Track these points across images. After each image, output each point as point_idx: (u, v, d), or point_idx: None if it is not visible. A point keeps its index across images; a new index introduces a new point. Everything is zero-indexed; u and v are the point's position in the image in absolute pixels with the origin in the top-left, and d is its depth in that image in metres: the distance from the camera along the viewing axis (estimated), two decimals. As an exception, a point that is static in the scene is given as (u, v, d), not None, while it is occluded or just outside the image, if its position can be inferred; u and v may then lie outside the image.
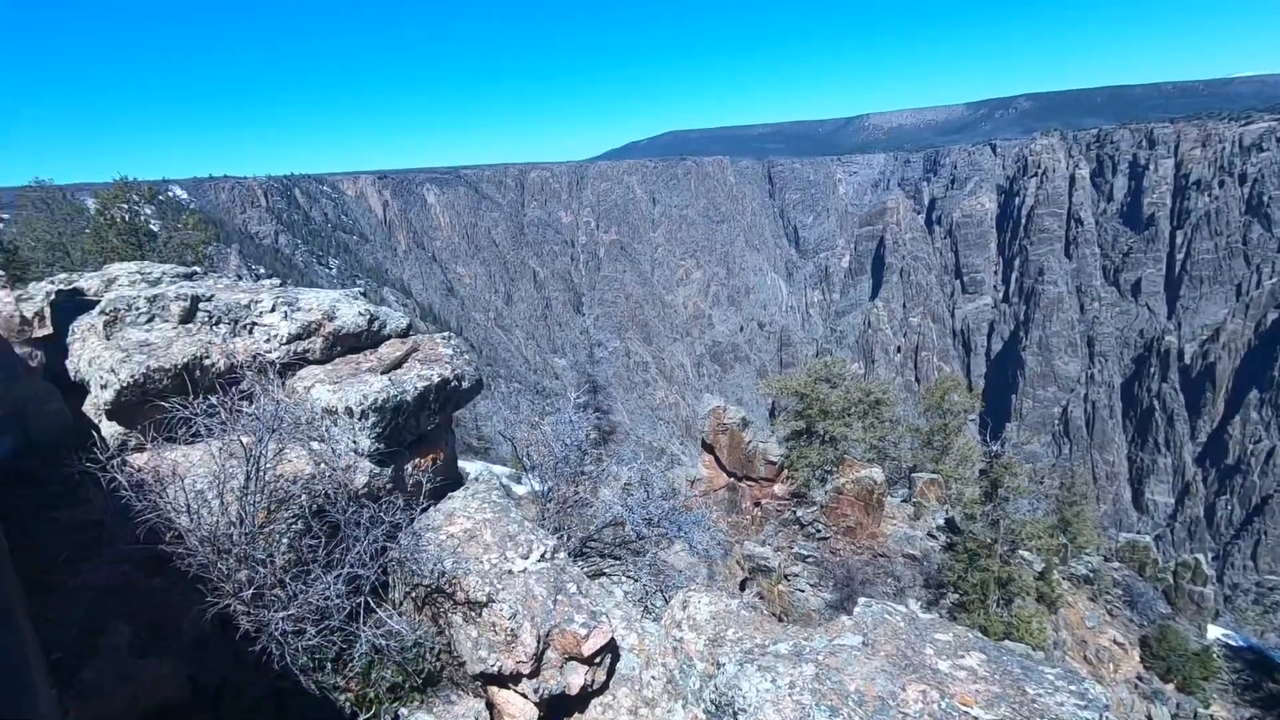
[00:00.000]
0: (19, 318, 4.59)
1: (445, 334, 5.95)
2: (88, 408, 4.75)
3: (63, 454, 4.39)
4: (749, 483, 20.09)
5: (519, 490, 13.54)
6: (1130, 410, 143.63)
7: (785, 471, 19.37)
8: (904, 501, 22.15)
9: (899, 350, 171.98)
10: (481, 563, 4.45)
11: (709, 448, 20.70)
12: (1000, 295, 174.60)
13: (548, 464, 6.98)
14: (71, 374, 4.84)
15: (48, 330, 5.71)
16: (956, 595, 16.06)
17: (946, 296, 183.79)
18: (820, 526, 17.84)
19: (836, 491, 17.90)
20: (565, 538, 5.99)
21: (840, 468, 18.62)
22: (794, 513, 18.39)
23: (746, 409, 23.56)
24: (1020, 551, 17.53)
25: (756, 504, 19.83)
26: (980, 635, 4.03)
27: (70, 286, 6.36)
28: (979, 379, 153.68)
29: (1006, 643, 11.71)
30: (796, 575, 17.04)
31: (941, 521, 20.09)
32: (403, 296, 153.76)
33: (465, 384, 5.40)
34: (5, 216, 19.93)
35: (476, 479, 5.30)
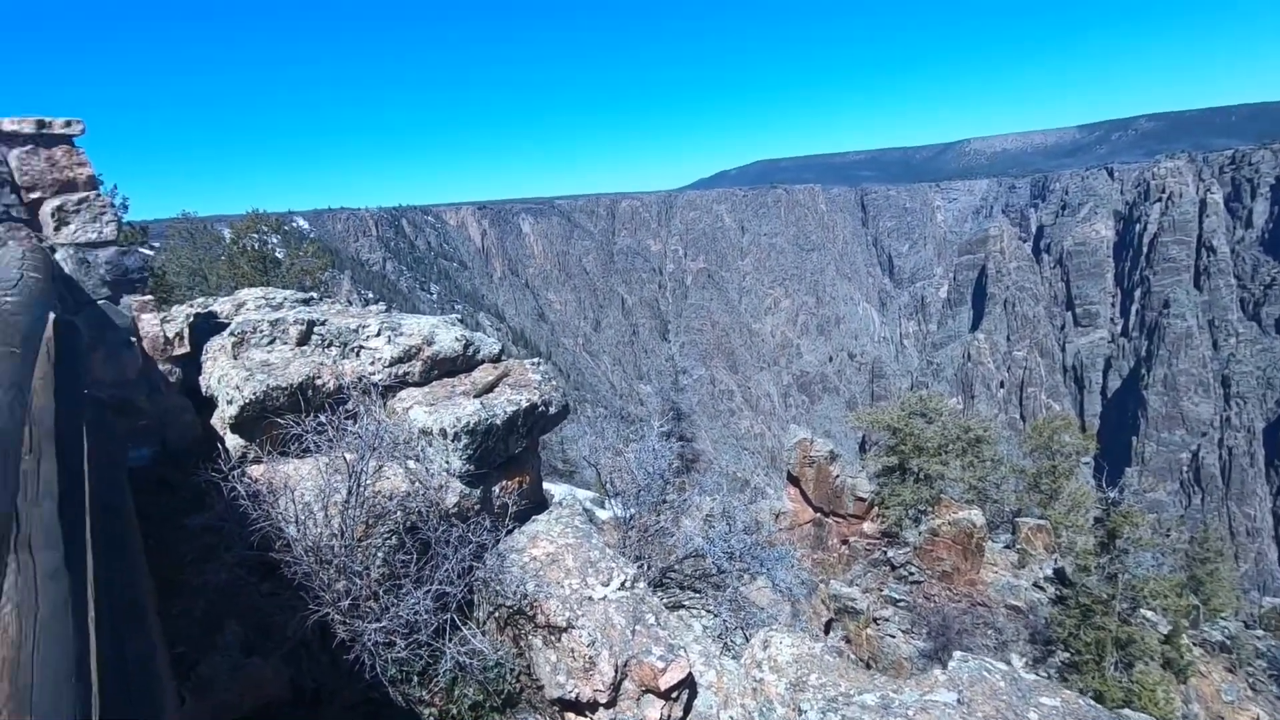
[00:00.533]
0: (163, 338, 5.10)
1: (535, 360, 6.15)
2: (215, 421, 5.21)
3: (193, 463, 4.82)
4: (836, 519, 19.37)
5: (601, 515, 13.63)
6: (1275, 459, 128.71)
7: (875, 509, 18.56)
8: (1006, 548, 20.67)
9: (1002, 385, 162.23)
10: (562, 587, 4.51)
11: (795, 481, 20.15)
12: (1118, 329, 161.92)
13: (630, 491, 7.01)
14: (203, 389, 5.33)
15: (185, 349, 6.31)
16: (1067, 654, 14.74)
17: (1056, 329, 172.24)
18: (913, 569, 16.92)
19: (932, 533, 16.96)
20: (646, 567, 5.99)
21: (936, 508, 17.65)
22: (884, 553, 17.55)
23: (835, 442, 22.83)
24: (1142, 611, 15.92)
25: (844, 542, 19.08)
26: (1094, 703, 3.68)
27: (206, 310, 7.03)
28: (1093, 419, 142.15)
29: (1126, 712, 10.63)
30: (886, 620, 16.20)
31: (1050, 572, 18.60)
32: (496, 321, 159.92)
33: (552, 409, 5.55)
34: (156, 245, 22.27)
35: (560, 503, 5.40)
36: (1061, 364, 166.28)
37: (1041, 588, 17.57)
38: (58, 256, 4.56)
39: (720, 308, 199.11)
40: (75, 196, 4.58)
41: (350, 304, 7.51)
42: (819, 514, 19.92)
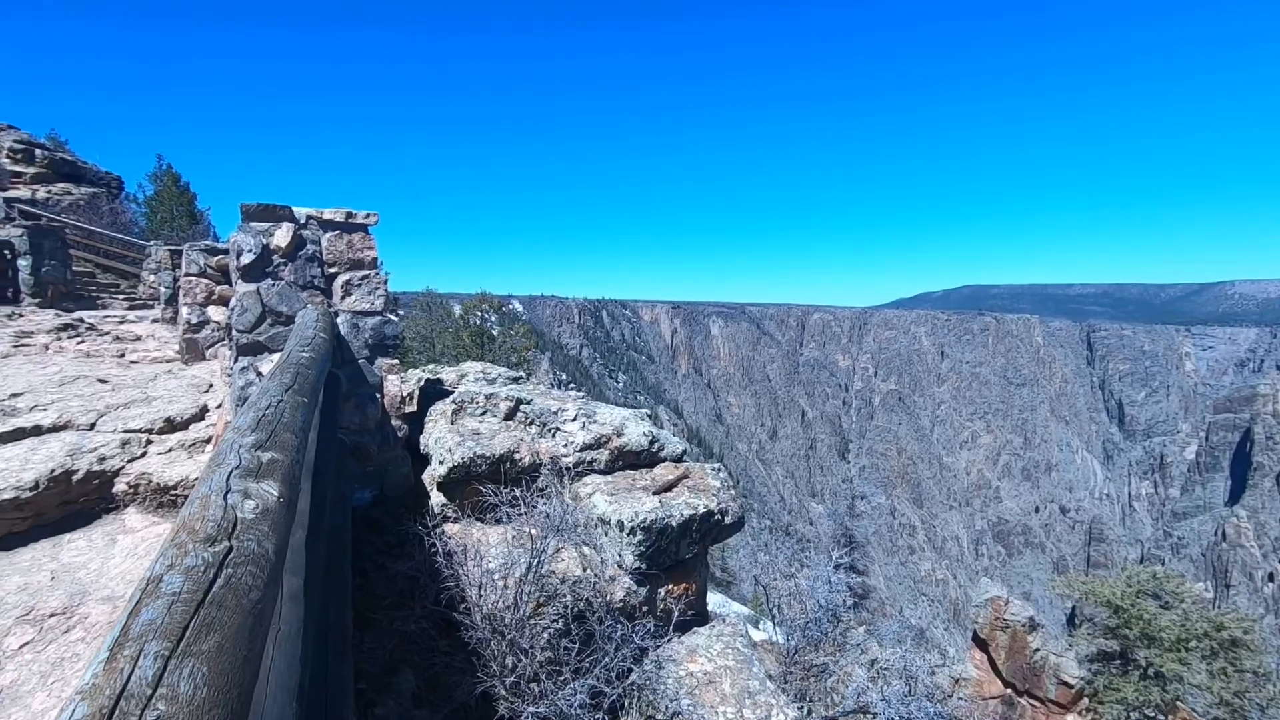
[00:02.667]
0: (400, 396, 5.82)
1: (715, 465, 6.12)
2: (425, 477, 5.77)
3: (402, 512, 5.34)
4: (1032, 701, 16.35)
5: (758, 635, 12.83)
6: None
7: (1085, 700, 15.45)
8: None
9: (1270, 579, 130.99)
10: (716, 713, 4.24)
11: (982, 644, 17.50)
12: None
13: (796, 621, 6.54)
14: (421, 447, 5.97)
15: (413, 408, 7.15)
16: None
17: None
18: (1135, 791, 13.65)
19: (1164, 749, 13.68)
20: (807, 711, 5.46)
21: (1170, 718, 14.28)
22: (1096, 760, 14.41)
23: (1036, 607, 19.66)
24: None
25: (1042, 733, 16.02)
26: None
27: (435, 376, 7.98)
28: None
29: None
30: None
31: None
32: (675, 416, 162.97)
33: (728, 519, 5.43)
34: (402, 313, 25.96)
35: (723, 619, 5.17)
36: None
37: None
38: (338, 320, 5.48)
39: (909, 434, 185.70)
40: (360, 273, 5.52)
41: (551, 388, 8.09)
42: (1010, 690, 16.97)
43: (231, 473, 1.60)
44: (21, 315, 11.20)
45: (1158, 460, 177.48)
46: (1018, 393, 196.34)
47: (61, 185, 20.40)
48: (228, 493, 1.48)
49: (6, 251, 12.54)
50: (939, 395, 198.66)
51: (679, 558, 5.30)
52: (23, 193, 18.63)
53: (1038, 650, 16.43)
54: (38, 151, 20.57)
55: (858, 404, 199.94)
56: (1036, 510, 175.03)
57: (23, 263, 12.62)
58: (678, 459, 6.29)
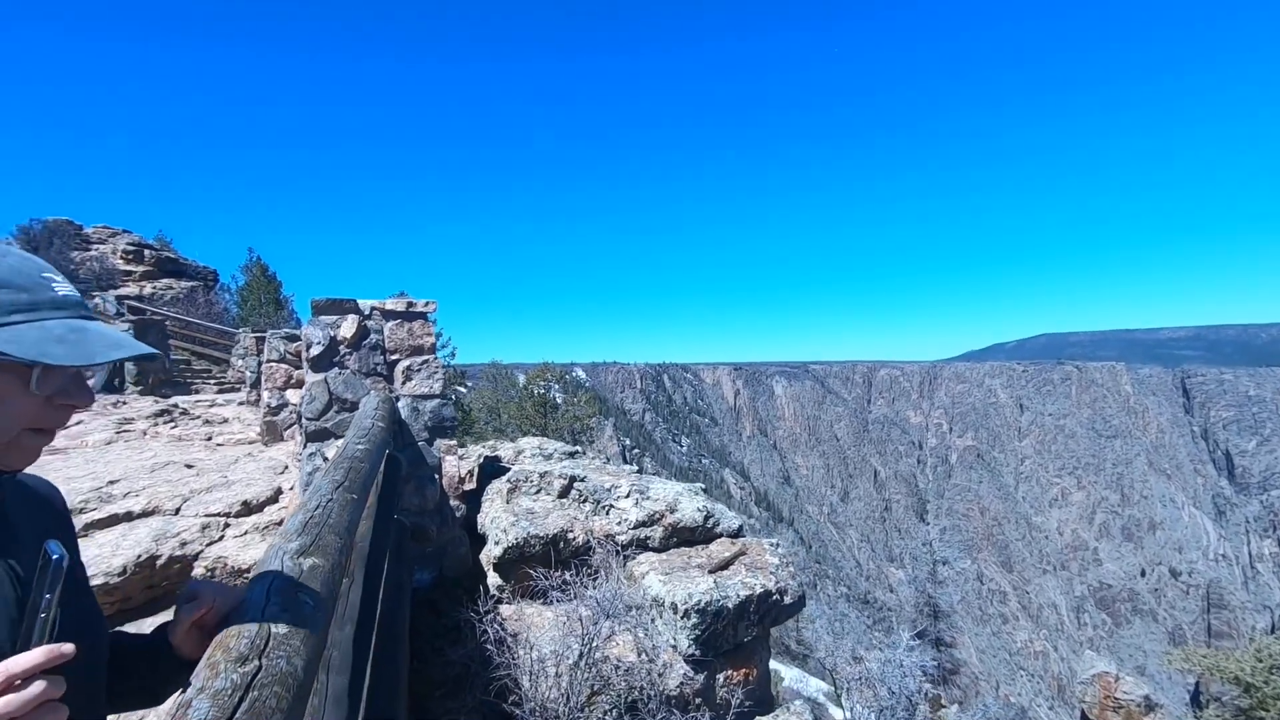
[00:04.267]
0: (458, 476, 5.97)
1: (773, 541, 5.94)
2: (483, 557, 5.83)
3: (460, 593, 5.39)
4: (1156, 798, 14.62)
5: (834, 715, 12.09)
6: None
7: (1219, 799, 13.72)
8: None
9: None
10: (781, 814, 3.98)
11: (1091, 729, 15.92)
12: None
13: (871, 706, 6.15)
14: (479, 527, 6.06)
15: (472, 485, 7.29)
16: None
17: None
18: None
19: None
20: (883, 812, 5.06)
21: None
22: None
23: (1152, 683, 17.78)
24: None
25: (1169, 836, 14.24)
26: None
27: (493, 453, 8.15)
28: None
29: None
30: None
31: None
32: (741, 479, 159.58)
33: (787, 599, 5.22)
34: (470, 384, 26.83)
35: (788, 709, 4.90)
36: None
37: None
38: (399, 404, 5.72)
39: (991, 493, 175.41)
40: (420, 359, 5.78)
41: (609, 461, 8.12)
42: (1128, 784, 15.22)
43: (272, 584, 1.68)
44: (125, 403, 12.15)
45: (1279, 516, 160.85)
46: (1109, 445, 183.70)
47: (165, 280, 22.37)
48: (266, 605, 1.55)
49: (115, 345, 13.72)
50: (1021, 450, 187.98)
51: (737, 641, 5.10)
52: (132, 289, 20.51)
53: (1155, 737, 14.81)
54: (146, 251, 22.72)
55: (933, 461, 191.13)
56: (1143, 574, 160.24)
57: (127, 354, 13.75)
58: (734, 534, 6.15)
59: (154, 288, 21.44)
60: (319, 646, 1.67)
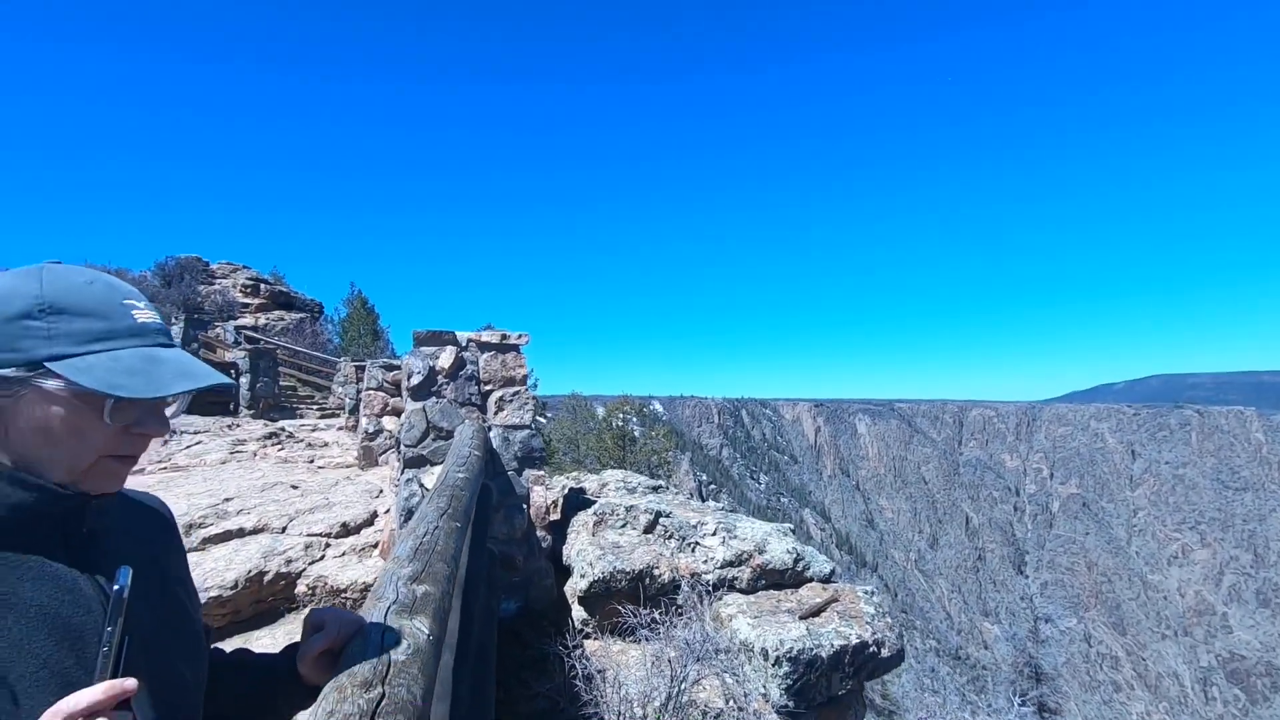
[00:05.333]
0: (544, 507, 6.02)
1: (868, 589, 5.65)
2: (568, 589, 5.82)
3: (545, 624, 5.38)
4: None
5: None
6: None
7: None
8: None
9: None
10: None
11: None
12: None
13: (974, 777, 5.66)
14: (564, 559, 6.07)
15: (557, 516, 7.34)
16: None
17: None
18: None
19: None
20: None
21: None
22: None
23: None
24: None
25: None
26: None
27: (578, 485, 8.20)
28: None
29: None
30: None
31: None
32: (821, 520, 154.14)
33: (884, 652, 4.92)
34: (550, 415, 27.24)
35: (885, 771, 4.58)
36: None
37: None
38: (491, 434, 5.85)
39: (1099, 546, 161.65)
40: (512, 390, 5.92)
41: (691, 497, 8.00)
42: None
43: (389, 609, 1.71)
44: (239, 425, 13.06)
45: None
46: (1237, 499, 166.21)
47: (277, 312, 24.11)
48: (385, 632, 1.58)
49: (232, 370, 14.83)
50: (1133, 501, 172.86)
51: (831, 694, 4.84)
52: (249, 320, 22.21)
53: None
54: (262, 285, 24.62)
55: (1032, 509, 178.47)
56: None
57: (243, 380, 14.84)
58: (825, 579, 5.89)
59: (267, 319, 23.13)
60: (434, 675, 1.68)
